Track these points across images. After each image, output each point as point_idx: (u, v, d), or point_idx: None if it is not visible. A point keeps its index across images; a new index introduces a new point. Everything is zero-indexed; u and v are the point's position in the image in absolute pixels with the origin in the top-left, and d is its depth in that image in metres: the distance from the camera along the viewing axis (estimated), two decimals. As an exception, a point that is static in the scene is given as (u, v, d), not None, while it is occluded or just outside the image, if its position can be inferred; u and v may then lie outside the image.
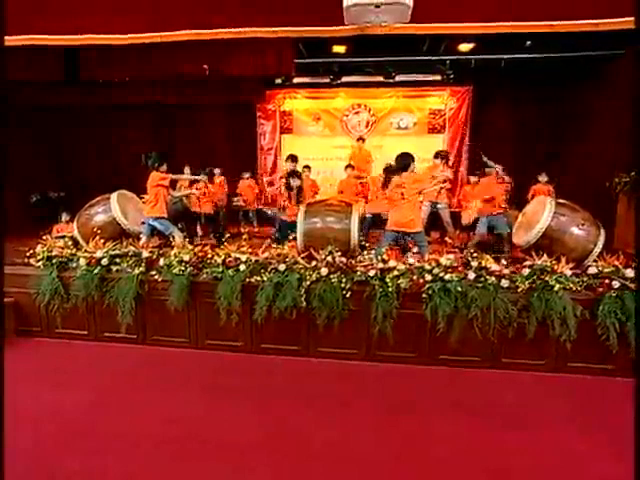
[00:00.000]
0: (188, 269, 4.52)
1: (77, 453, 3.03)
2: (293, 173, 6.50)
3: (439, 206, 6.80)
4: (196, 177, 6.57)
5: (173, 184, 6.44)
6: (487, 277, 4.18)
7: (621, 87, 6.84)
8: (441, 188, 6.52)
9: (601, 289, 4.08)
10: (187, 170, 7.78)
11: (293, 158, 7.17)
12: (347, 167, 7.77)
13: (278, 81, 9.28)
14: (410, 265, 4.32)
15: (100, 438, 3.18)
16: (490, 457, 3.03)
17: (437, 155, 6.77)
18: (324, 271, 4.29)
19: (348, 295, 4.23)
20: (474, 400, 3.76)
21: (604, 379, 4.09)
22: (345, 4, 3.49)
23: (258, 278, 4.38)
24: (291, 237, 4.91)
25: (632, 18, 3.79)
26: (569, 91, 8.35)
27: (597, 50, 6.99)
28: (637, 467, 2.16)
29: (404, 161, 5.00)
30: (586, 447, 3.15)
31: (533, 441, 3.19)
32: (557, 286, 4.04)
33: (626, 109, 6.55)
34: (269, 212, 7.74)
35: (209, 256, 4.63)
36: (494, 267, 4.25)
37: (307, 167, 7.90)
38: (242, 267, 4.43)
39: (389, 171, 5.18)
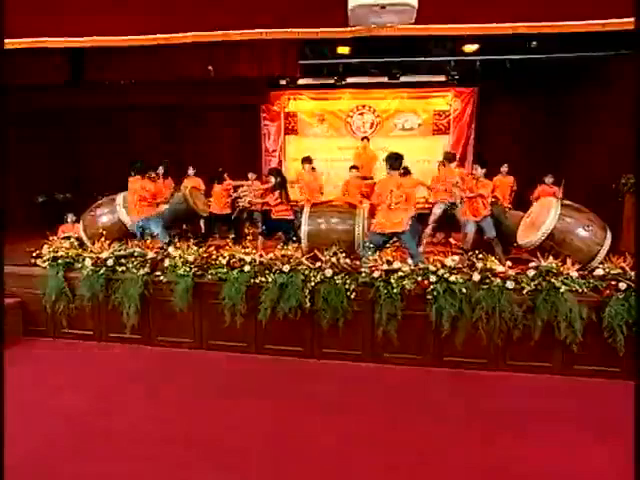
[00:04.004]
0: (193, 270, 4.53)
1: (78, 453, 3.04)
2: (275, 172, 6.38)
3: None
4: None
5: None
6: (492, 278, 4.16)
7: (625, 88, 6.80)
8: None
9: (607, 291, 4.06)
10: (191, 171, 7.81)
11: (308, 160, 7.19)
12: (352, 168, 7.76)
13: (283, 82, 9.27)
14: (415, 266, 4.32)
15: (102, 439, 3.19)
16: (491, 457, 3.02)
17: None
18: (328, 272, 4.30)
19: (352, 296, 4.23)
20: (477, 402, 3.74)
21: (610, 382, 4.06)
22: (350, 5, 3.48)
23: (262, 279, 4.39)
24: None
25: (632, 19, 3.75)
26: (574, 92, 8.31)
27: (602, 51, 6.95)
28: (637, 468, 2.15)
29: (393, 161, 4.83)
30: (588, 449, 3.14)
31: (535, 443, 3.17)
32: (563, 288, 4.02)
33: (630, 110, 6.51)
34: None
35: (214, 257, 4.65)
36: (499, 268, 4.23)
37: (312, 168, 7.89)
38: (247, 268, 4.44)
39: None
